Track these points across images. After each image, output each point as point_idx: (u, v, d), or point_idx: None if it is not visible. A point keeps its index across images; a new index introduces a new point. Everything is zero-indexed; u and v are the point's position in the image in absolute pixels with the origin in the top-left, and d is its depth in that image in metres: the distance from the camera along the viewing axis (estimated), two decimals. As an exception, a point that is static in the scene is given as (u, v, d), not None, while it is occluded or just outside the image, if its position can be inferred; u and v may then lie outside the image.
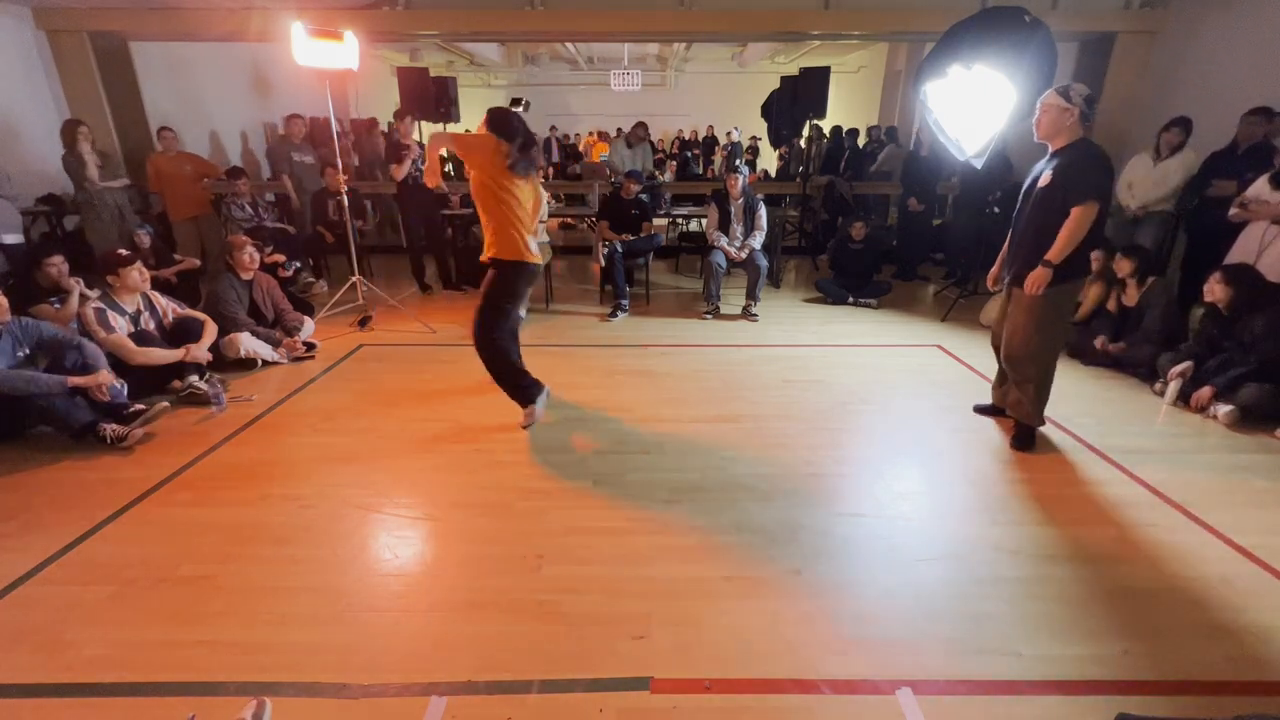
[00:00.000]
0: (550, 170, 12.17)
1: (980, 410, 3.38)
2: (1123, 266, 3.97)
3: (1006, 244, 3.06)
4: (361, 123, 9.66)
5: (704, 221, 6.09)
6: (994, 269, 3.13)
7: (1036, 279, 2.72)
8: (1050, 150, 2.79)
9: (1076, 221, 2.62)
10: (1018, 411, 3.03)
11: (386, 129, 10.02)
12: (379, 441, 3.05)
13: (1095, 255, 3.94)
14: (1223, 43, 5.35)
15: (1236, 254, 3.83)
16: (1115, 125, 5.91)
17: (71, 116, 5.58)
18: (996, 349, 3.20)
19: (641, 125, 7.25)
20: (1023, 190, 2.94)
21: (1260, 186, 3.71)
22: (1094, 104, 2.67)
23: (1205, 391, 3.32)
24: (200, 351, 3.55)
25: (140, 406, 3.14)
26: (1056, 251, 2.67)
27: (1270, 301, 3.40)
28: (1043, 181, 2.75)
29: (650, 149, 7.71)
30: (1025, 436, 3.02)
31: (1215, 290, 3.49)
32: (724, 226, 5.24)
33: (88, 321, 3.29)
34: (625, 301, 5.23)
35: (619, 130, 8.98)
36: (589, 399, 3.53)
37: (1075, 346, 4.16)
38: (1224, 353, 3.45)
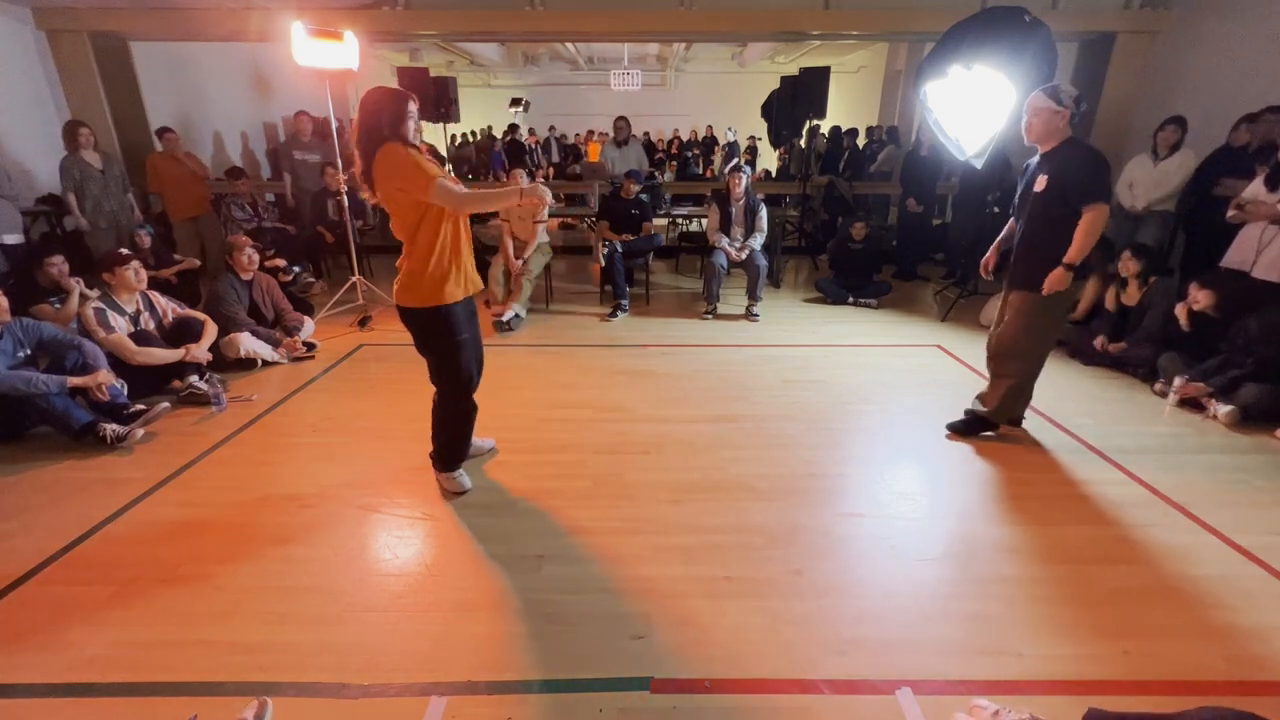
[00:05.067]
0: (550, 170, 12.17)
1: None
2: (1129, 266, 3.95)
3: (1003, 235, 3.05)
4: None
5: (704, 222, 6.08)
6: (988, 256, 3.10)
7: (1056, 279, 2.66)
8: (1040, 152, 2.75)
9: (1091, 223, 2.58)
10: (983, 400, 3.04)
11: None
12: (379, 441, 3.05)
13: (1125, 257, 3.97)
14: (1223, 43, 5.35)
15: (1234, 255, 3.83)
16: (1115, 125, 5.91)
17: (72, 117, 5.58)
18: (987, 353, 3.14)
19: (622, 119, 6.88)
20: (1018, 193, 2.91)
21: (1256, 187, 3.72)
22: (1082, 103, 2.65)
23: (1197, 386, 3.33)
24: (200, 351, 3.55)
25: (140, 407, 3.14)
26: (1076, 252, 2.62)
27: (1261, 301, 3.41)
28: (1038, 186, 2.71)
29: (641, 146, 7.37)
30: (972, 425, 3.04)
31: (1199, 298, 3.53)
32: (725, 227, 5.24)
33: (87, 321, 3.29)
34: (625, 301, 5.23)
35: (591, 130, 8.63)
36: (589, 399, 3.53)
37: (1075, 346, 4.16)
38: (1221, 354, 3.46)
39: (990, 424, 3.07)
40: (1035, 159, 2.80)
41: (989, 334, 3.15)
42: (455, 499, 2.56)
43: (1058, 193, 2.64)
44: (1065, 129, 2.65)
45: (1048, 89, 2.64)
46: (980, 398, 3.08)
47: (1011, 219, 2.99)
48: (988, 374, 3.08)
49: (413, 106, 2.18)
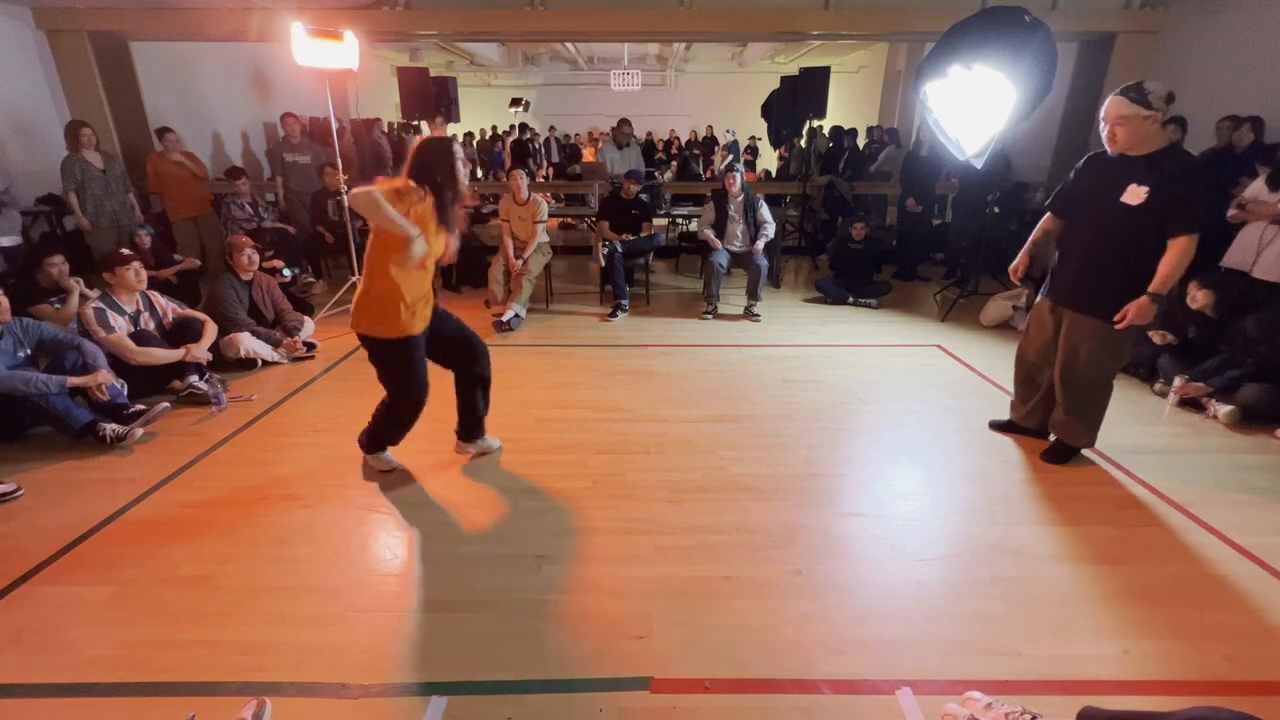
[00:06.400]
0: (550, 170, 12.18)
1: (996, 427, 3.16)
2: None
3: (1035, 239, 2.81)
4: (361, 122, 9.67)
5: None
6: (1018, 261, 2.82)
7: (1142, 311, 2.40)
8: (1129, 154, 2.41)
9: (1181, 255, 2.31)
10: (1063, 432, 2.83)
11: (387, 129, 10.04)
12: (379, 441, 3.04)
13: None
14: (1222, 43, 5.35)
15: (1234, 254, 3.84)
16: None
17: (72, 117, 5.58)
18: (1023, 367, 2.97)
19: (625, 122, 6.91)
20: (1076, 194, 2.60)
21: (1258, 187, 3.72)
22: (1173, 101, 2.31)
23: (1197, 386, 3.33)
24: (200, 351, 3.54)
25: (140, 407, 3.14)
26: (1162, 283, 2.35)
27: (1258, 301, 3.41)
28: (1133, 198, 2.37)
29: (639, 149, 7.36)
30: (1064, 453, 2.85)
31: (1197, 297, 3.52)
32: (721, 225, 5.25)
33: (87, 321, 3.29)
34: (625, 301, 5.23)
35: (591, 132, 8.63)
36: (589, 399, 3.53)
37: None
38: (1221, 354, 3.46)
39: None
40: (1109, 157, 2.48)
41: (1021, 347, 2.97)
42: (451, 498, 2.57)
43: (1156, 211, 2.34)
44: (1160, 133, 2.34)
45: (1130, 91, 2.28)
46: (1062, 431, 2.85)
47: (1046, 220, 2.77)
48: (1063, 399, 2.79)
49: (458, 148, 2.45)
